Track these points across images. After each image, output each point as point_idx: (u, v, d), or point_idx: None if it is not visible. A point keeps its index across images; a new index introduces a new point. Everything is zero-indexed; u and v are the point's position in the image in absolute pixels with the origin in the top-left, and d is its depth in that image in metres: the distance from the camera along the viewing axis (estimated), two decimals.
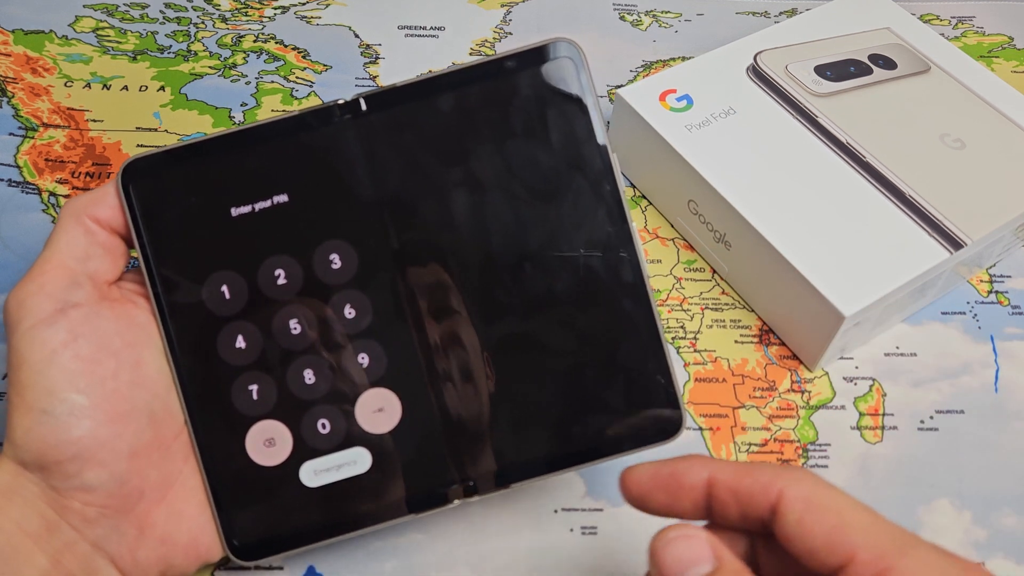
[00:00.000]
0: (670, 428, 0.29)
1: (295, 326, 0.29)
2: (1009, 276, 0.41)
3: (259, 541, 0.29)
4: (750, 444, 0.35)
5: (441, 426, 0.29)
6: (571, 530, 0.33)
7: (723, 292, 0.40)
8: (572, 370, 0.29)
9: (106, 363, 0.27)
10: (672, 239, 0.42)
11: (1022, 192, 0.38)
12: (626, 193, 0.28)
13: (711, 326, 0.39)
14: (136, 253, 0.29)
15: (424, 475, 0.29)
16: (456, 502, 0.29)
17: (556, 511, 0.33)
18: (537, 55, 0.28)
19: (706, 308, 0.39)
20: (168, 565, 0.28)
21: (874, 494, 0.34)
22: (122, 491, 0.27)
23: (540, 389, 0.29)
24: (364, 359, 0.29)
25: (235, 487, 0.29)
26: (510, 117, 0.28)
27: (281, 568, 0.32)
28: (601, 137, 0.28)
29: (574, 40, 0.28)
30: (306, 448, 0.29)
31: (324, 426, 0.29)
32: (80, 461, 0.26)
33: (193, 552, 0.28)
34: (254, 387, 0.29)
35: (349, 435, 0.29)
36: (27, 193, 0.41)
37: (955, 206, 0.37)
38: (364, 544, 0.32)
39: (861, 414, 0.36)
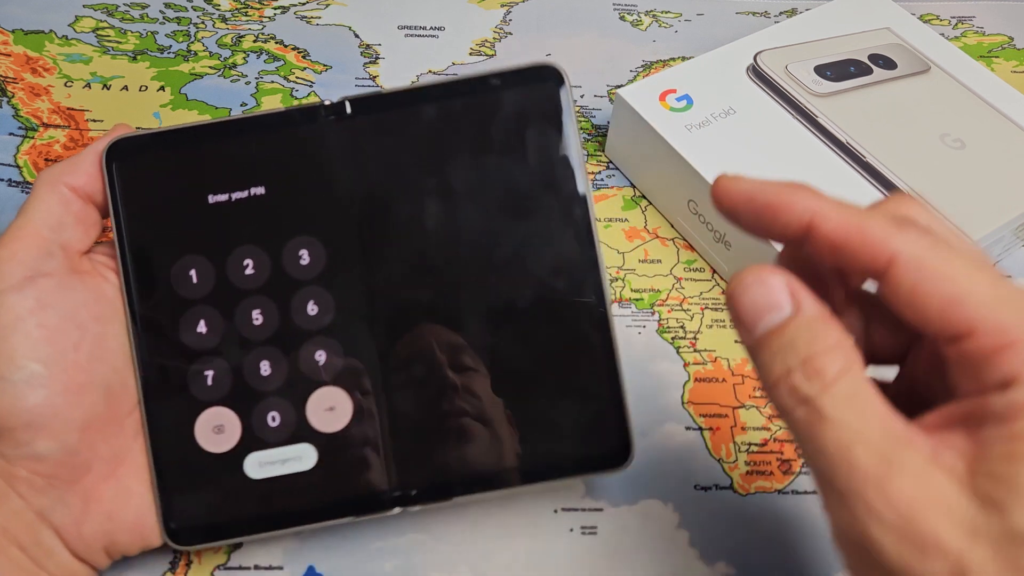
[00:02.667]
0: (618, 458, 0.29)
1: (257, 316, 0.29)
2: (1009, 276, 0.41)
3: (196, 527, 0.29)
4: (750, 444, 0.35)
5: (389, 432, 0.29)
6: (571, 530, 0.33)
7: (723, 292, 0.40)
8: (525, 390, 0.29)
9: (70, 334, 0.27)
10: (672, 239, 0.42)
11: (1022, 192, 0.38)
12: (596, 222, 0.28)
13: (711, 326, 0.39)
14: (111, 228, 0.29)
15: (367, 479, 0.29)
16: (397, 510, 0.29)
17: (556, 511, 0.33)
18: (522, 76, 0.29)
19: (706, 308, 0.39)
20: (112, 542, 0.28)
21: None
22: (71, 462, 0.27)
23: (491, 406, 0.29)
24: (321, 356, 0.29)
25: (179, 470, 0.29)
26: (489, 133, 0.29)
27: (281, 568, 0.32)
28: (577, 162, 0.28)
29: (559, 65, 0.28)
30: (254, 439, 0.29)
31: (274, 419, 0.29)
32: (32, 430, 0.26)
33: (138, 531, 0.28)
34: (210, 372, 0.29)
35: (298, 430, 0.29)
36: (27, 193, 0.41)
37: (955, 206, 0.37)
38: (364, 544, 0.32)
39: None
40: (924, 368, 0.22)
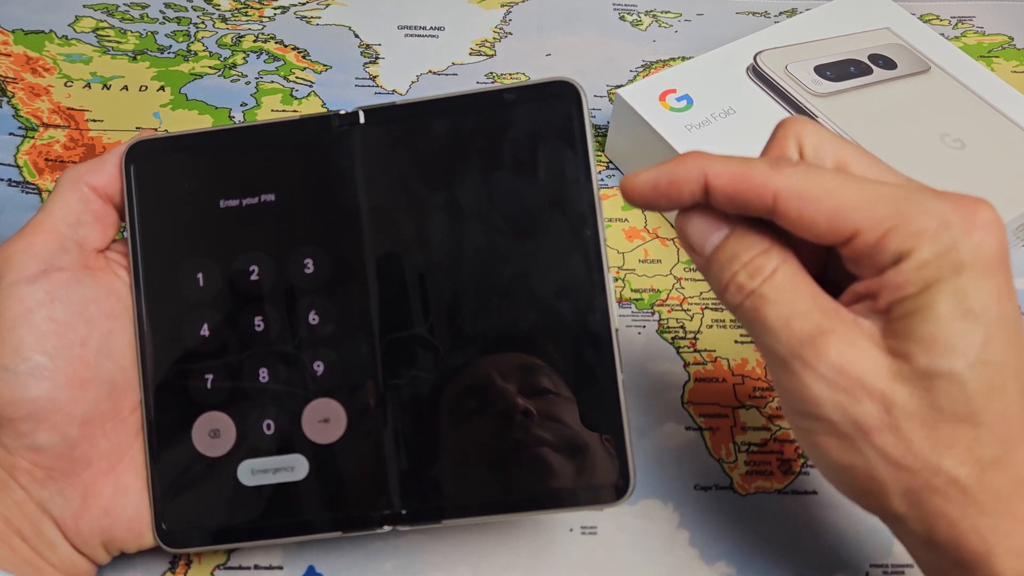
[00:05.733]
0: (616, 492, 0.27)
1: (259, 323, 0.29)
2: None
3: (186, 529, 0.29)
4: (750, 444, 0.35)
5: (383, 448, 0.28)
6: (571, 530, 0.33)
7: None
8: (524, 417, 0.28)
9: (78, 328, 0.27)
10: (672, 239, 0.42)
11: (1022, 192, 0.38)
12: (606, 244, 0.27)
13: (711, 326, 0.39)
14: (126, 227, 0.30)
15: (358, 495, 0.28)
16: (386, 528, 0.28)
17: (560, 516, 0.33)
18: (538, 92, 0.28)
19: (706, 308, 0.39)
20: (110, 537, 0.28)
21: None
22: (70, 455, 0.27)
23: (489, 430, 0.28)
24: (319, 367, 0.29)
25: (173, 471, 0.29)
26: (502, 149, 0.28)
27: (281, 568, 0.32)
28: (590, 183, 0.27)
29: (576, 81, 0.28)
30: (248, 446, 0.29)
31: (269, 427, 0.29)
32: (33, 421, 0.26)
33: (135, 529, 0.29)
34: (210, 376, 0.29)
35: (291, 440, 0.29)
36: (27, 193, 0.41)
37: None
38: (364, 544, 0.32)
39: None
40: (836, 265, 0.26)
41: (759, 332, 0.24)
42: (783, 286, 0.23)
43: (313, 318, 0.29)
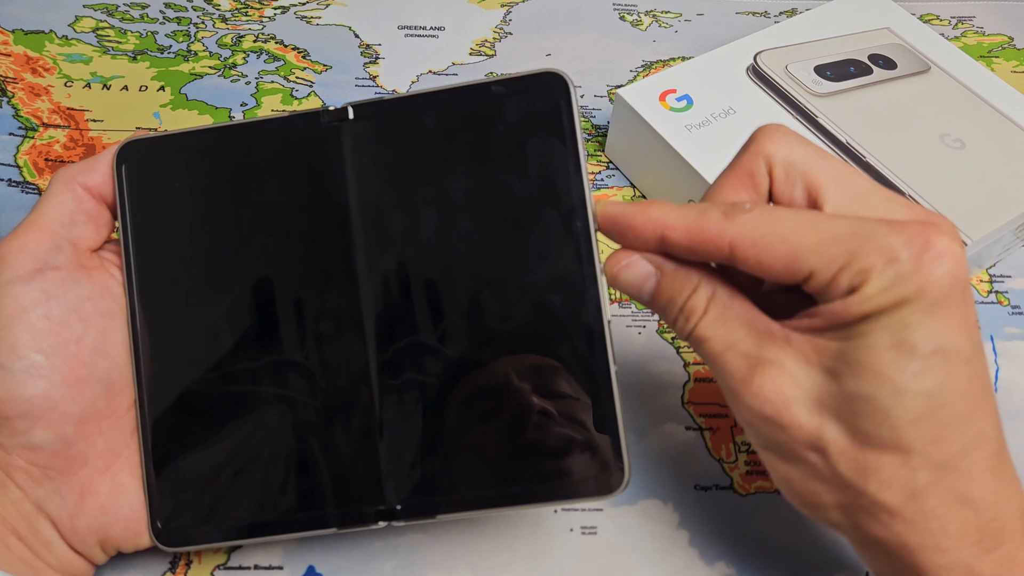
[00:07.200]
0: (611, 484, 0.27)
1: (252, 320, 0.29)
2: (1009, 276, 0.41)
3: (182, 528, 0.29)
4: (750, 444, 0.35)
5: (377, 445, 0.28)
6: (571, 530, 0.33)
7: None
8: (517, 411, 0.28)
9: (73, 327, 0.28)
10: None
11: (1022, 192, 0.38)
12: (597, 235, 0.27)
13: None
14: (118, 227, 0.30)
15: (353, 492, 0.28)
16: (380, 524, 0.28)
17: (556, 511, 0.33)
18: (527, 84, 0.28)
19: None
20: (106, 536, 0.28)
21: None
22: (66, 454, 0.27)
23: (482, 425, 0.28)
24: (312, 363, 0.29)
25: (169, 469, 0.29)
26: (492, 142, 0.28)
27: (281, 568, 0.32)
28: (580, 174, 0.27)
29: (565, 72, 0.28)
30: (243, 443, 0.29)
31: (263, 424, 0.29)
32: (29, 419, 0.27)
33: (132, 528, 0.29)
34: (203, 374, 0.29)
35: (286, 437, 0.29)
36: (27, 193, 0.41)
37: (955, 206, 0.37)
38: (364, 544, 0.32)
39: None
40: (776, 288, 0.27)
41: (706, 363, 0.25)
42: (714, 323, 0.25)
43: (305, 315, 0.29)
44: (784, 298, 0.26)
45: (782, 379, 0.23)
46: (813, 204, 0.25)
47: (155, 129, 0.44)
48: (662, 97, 0.41)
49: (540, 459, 0.28)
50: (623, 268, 0.26)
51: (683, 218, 0.24)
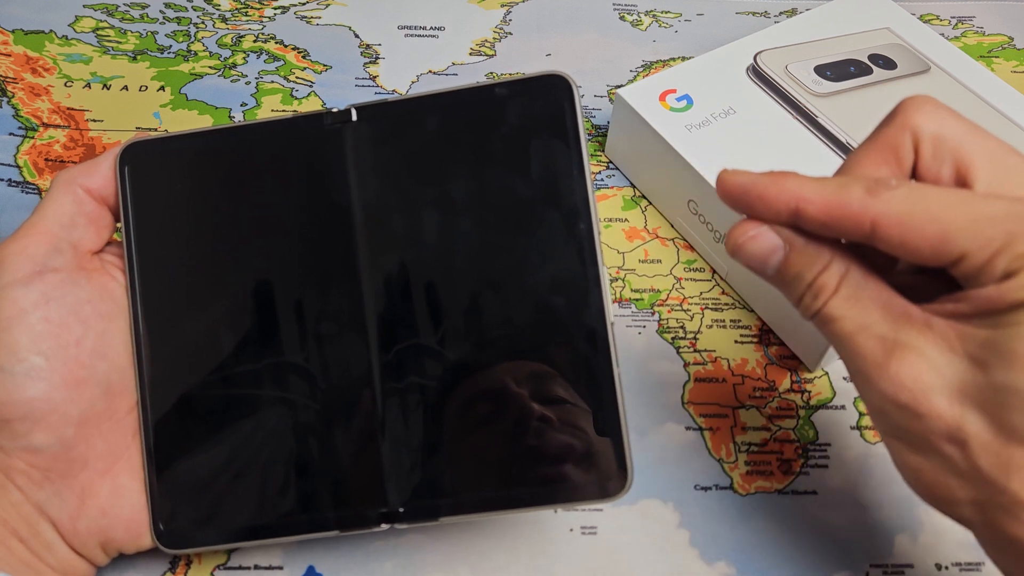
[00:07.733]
0: (614, 488, 0.27)
1: (254, 323, 0.29)
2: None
3: (183, 530, 0.29)
4: (750, 444, 0.35)
5: (380, 446, 0.28)
6: (571, 530, 0.33)
7: (723, 292, 0.40)
8: (519, 413, 0.28)
9: (73, 329, 0.27)
10: (672, 239, 0.42)
11: None
12: (600, 237, 0.27)
13: (711, 326, 0.39)
14: (120, 229, 0.30)
15: (356, 494, 0.28)
16: (383, 526, 0.28)
17: (556, 511, 0.33)
18: (530, 86, 0.28)
19: (706, 308, 0.39)
20: (107, 538, 0.28)
21: (874, 494, 0.34)
22: (67, 456, 0.27)
23: (484, 427, 0.28)
24: (315, 366, 0.29)
25: (171, 471, 0.29)
26: (495, 144, 0.28)
27: (281, 568, 0.32)
28: (583, 176, 0.27)
29: (568, 75, 0.28)
30: (244, 445, 0.29)
31: (265, 427, 0.29)
32: (30, 422, 0.26)
33: (133, 529, 0.29)
34: (206, 376, 0.29)
35: (288, 440, 0.29)
36: (27, 193, 0.41)
37: None
38: (364, 544, 0.32)
39: (861, 414, 0.36)
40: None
41: (835, 347, 0.24)
42: (847, 300, 0.23)
43: (308, 317, 0.29)
44: (915, 279, 0.25)
45: (921, 365, 0.22)
46: (962, 183, 0.23)
47: (155, 129, 0.44)
48: (662, 97, 0.41)
49: (543, 462, 0.27)
50: (750, 239, 0.24)
51: (821, 191, 0.23)
